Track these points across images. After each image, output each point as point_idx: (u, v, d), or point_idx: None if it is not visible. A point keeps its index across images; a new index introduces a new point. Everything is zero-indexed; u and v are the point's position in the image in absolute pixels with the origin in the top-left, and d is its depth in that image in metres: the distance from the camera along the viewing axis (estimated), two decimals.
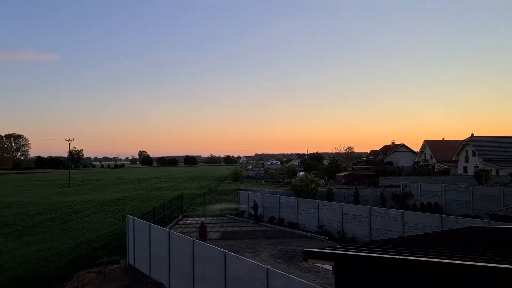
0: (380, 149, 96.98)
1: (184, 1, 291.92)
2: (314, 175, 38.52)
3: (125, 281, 14.47)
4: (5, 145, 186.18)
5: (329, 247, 7.55)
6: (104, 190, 56.13)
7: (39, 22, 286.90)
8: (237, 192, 33.49)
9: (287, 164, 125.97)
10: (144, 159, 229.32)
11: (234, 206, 32.70)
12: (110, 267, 16.19)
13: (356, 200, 32.17)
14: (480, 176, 44.27)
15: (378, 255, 6.36)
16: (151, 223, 15.32)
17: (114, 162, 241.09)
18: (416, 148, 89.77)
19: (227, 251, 10.32)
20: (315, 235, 22.40)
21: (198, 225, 26.02)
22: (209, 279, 11.01)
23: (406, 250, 7.03)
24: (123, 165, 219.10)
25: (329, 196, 32.60)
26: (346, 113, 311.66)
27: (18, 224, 27.67)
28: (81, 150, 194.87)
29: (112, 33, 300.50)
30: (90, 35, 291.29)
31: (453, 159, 68.09)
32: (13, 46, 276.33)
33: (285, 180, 60.83)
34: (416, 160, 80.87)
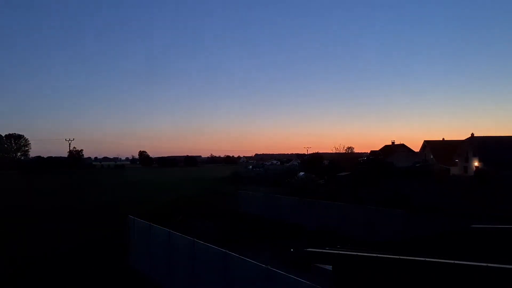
0: (380, 149, 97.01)
1: (184, 1, 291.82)
2: (314, 176, 38.57)
3: (125, 282, 14.47)
4: (5, 145, 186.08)
5: (329, 247, 7.56)
6: (105, 191, 56.14)
7: (36, 23, 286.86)
8: (238, 192, 33.51)
9: (287, 164, 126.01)
10: (144, 159, 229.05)
11: (234, 207, 32.70)
12: (110, 268, 16.19)
13: (356, 200, 32.17)
14: (481, 176, 44.33)
15: (378, 255, 6.36)
16: (151, 223, 15.33)
17: (114, 163, 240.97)
18: (416, 148, 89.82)
19: (227, 251, 10.33)
20: (315, 235, 22.40)
21: (198, 225, 26.03)
22: (209, 278, 11.01)
23: (406, 251, 7.03)
24: (123, 166, 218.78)
25: (329, 197, 32.60)
26: (346, 113, 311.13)
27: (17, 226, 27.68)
28: (81, 150, 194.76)
29: (112, 32, 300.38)
30: (89, 34, 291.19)
31: (453, 159, 68.09)
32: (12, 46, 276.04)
33: (286, 181, 60.80)
34: (416, 160, 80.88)
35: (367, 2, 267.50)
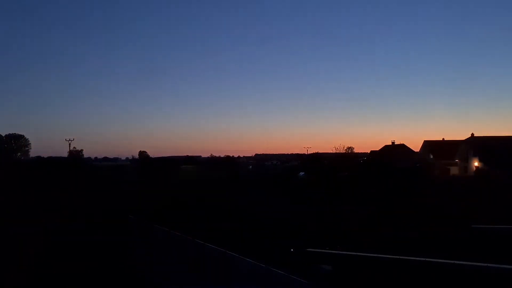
0: (380, 149, 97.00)
1: (184, 1, 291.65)
2: (314, 176, 38.60)
3: (122, 283, 14.45)
4: (5, 145, 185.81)
5: (329, 247, 7.54)
6: (106, 192, 56.21)
7: (36, 23, 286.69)
8: (237, 193, 33.52)
9: (288, 165, 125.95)
10: (144, 159, 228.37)
11: (234, 207, 32.70)
12: (108, 269, 16.17)
13: (357, 200, 32.19)
14: (480, 176, 44.39)
15: (378, 255, 6.35)
16: (151, 223, 15.34)
17: (115, 163, 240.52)
18: (416, 148, 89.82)
19: (227, 251, 10.33)
20: (315, 235, 22.40)
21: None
22: (208, 278, 11.01)
23: (406, 251, 7.02)
24: (122, 166, 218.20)
25: (330, 197, 32.64)
26: (346, 113, 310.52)
27: None
28: (81, 150, 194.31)
29: (112, 31, 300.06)
30: (89, 34, 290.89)
31: (453, 159, 68.09)
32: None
33: (286, 181, 60.86)
34: (416, 160, 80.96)
35: (366, 1, 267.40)
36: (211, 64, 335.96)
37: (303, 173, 65.84)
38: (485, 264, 5.27)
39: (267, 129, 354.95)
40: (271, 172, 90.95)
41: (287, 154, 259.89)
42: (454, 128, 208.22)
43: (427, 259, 5.88)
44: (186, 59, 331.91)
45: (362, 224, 20.98)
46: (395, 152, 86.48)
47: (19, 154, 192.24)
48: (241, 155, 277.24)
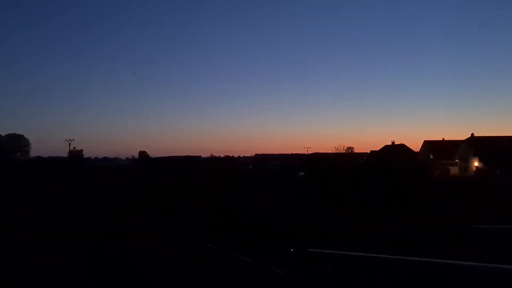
0: (380, 149, 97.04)
1: (184, 1, 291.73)
2: (314, 176, 38.63)
3: (123, 285, 14.45)
4: (5, 145, 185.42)
5: (329, 247, 7.56)
6: (106, 192, 56.21)
7: (36, 23, 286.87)
8: (237, 193, 33.53)
9: (287, 165, 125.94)
10: (144, 159, 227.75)
11: (233, 207, 32.70)
12: (109, 270, 16.17)
13: (357, 200, 32.20)
14: (480, 176, 44.45)
15: (378, 255, 6.35)
16: (150, 224, 15.34)
17: (115, 163, 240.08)
18: (416, 148, 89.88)
19: (227, 251, 10.34)
20: (315, 235, 22.40)
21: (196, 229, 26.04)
22: (210, 279, 11.02)
23: (406, 251, 7.03)
24: (122, 166, 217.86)
25: (330, 197, 32.65)
26: (346, 113, 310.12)
27: None
28: (81, 150, 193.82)
29: (111, 30, 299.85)
30: (89, 33, 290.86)
31: (453, 159, 68.13)
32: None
33: (285, 181, 60.85)
34: (416, 160, 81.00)
35: (365, 1, 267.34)
36: (211, 64, 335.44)
37: (303, 173, 65.90)
38: (485, 264, 5.27)
39: (267, 129, 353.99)
40: (271, 172, 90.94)
41: (287, 154, 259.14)
42: (454, 128, 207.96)
43: (427, 259, 5.88)
44: (186, 59, 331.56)
45: (363, 224, 20.96)
46: (395, 152, 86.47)
47: (19, 154, 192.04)
48: (241, 155, 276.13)
